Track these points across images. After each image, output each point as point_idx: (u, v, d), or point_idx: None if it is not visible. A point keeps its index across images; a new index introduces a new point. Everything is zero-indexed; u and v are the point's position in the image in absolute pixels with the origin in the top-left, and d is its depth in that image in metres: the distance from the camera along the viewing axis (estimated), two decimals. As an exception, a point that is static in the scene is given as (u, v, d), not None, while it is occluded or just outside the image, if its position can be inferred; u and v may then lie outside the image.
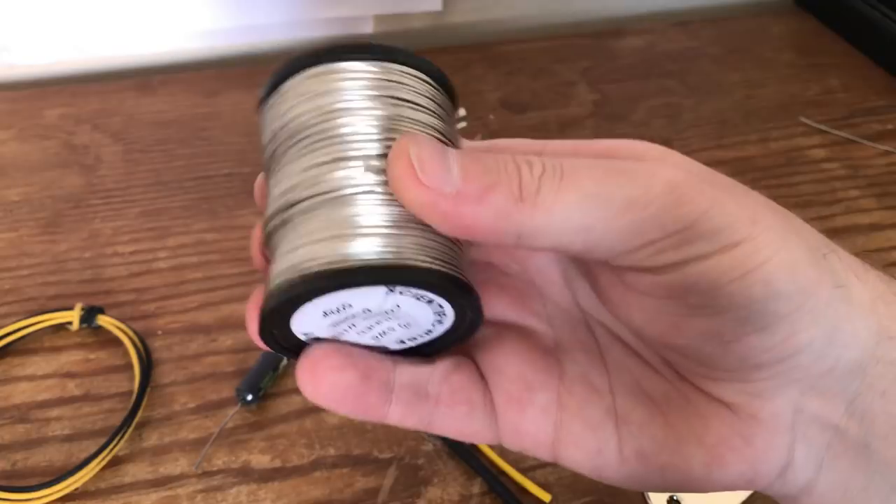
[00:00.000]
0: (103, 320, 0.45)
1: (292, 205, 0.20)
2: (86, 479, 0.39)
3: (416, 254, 0.20)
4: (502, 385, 0.24)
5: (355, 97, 0.20)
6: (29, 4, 0.65)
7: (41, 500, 0.38)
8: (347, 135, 0.20)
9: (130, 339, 0.44)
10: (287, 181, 0.20)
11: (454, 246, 0.21)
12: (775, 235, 0.19)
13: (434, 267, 0.20)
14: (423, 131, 0.21)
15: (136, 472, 0.40)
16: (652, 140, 0.22)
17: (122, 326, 0.45)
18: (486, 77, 0.70)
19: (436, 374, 0.24)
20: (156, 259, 0.51)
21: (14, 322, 0.45)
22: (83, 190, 0.57)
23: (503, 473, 0.40)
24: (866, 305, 0.21)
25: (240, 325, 0.47)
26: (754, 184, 0.20)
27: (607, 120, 0.65)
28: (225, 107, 0.65)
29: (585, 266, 0.24)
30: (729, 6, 0.84)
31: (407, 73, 0.21)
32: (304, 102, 0.20)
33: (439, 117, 0.21)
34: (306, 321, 0.21)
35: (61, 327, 0.46)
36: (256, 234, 0.22)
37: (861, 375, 0.21)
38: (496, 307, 0.25)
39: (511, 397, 0.24)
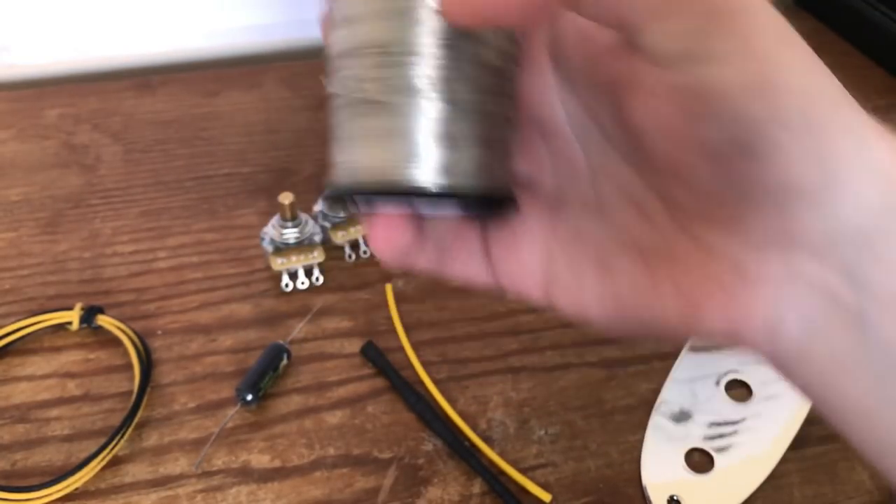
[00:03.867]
0: (103, 320, 0.45)
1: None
2: (86, 479, 0.39)
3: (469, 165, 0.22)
4: (495, 230, 0.26)
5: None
6: (29, 4, 0.66)
7: (41, 500, 0.38)
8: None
9: (130, 339, 0.44)
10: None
11: (506, 121, 0.24)
12: (805, 68, 0.19)
13: (481, 191, 0.22)
14: None
15: (135, 472, 0.40)
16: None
17: (122, 326, 0.45)
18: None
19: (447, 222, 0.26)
20: (156, 259, 0.51)
21: (14, 322, 0.45)
22: (83, 190, 0.57)
23: (503, 473, 0.40)
24: (882, 170, 0.19)
25: (240, 324, 0.47)
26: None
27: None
28: (225, 107, 0.65)
29: (602, 76, 0.24)
30: (729, 6, 0.84)
31: None
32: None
33: None
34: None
35: (61, 327, 0.46)
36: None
37: (865, 246, 0.19)
38: None
39: (500, 241, 0.26)
